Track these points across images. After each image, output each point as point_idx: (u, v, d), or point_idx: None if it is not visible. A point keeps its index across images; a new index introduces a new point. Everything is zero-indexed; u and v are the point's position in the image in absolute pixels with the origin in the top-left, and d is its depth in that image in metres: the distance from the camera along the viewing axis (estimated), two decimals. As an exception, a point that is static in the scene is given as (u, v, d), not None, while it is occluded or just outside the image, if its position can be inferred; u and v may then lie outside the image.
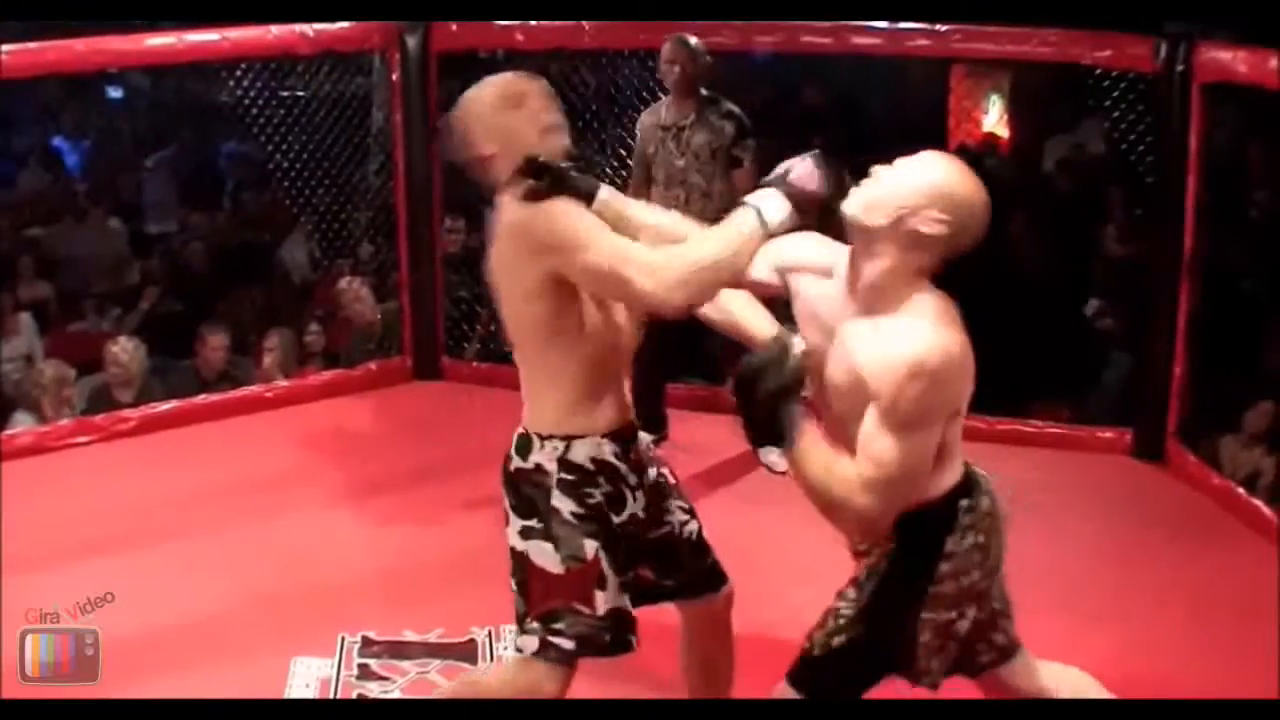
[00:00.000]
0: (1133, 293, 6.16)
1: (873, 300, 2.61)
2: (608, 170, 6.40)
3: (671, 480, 3.16)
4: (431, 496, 5.37)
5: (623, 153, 6.10)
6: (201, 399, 6.33)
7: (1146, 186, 5.70)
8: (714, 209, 5.23)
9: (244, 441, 6.02)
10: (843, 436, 2.67)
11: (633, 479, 3.03)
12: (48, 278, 7.88)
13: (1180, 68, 5.19)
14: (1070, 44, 5.48)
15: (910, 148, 2.70)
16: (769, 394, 2.60)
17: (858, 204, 2.60)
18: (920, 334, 2.53)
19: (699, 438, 5.64)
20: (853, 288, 2.66)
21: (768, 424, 2.62)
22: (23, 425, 6.07)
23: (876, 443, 2.54)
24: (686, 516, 3.14)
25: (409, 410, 6.47)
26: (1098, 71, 5.69)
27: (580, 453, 2.95)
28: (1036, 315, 6.35)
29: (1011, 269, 6.63)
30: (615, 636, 2.97)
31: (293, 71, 6.83)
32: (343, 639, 4.33)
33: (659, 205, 5.35)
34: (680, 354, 5.78)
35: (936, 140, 8.02)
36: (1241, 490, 5.13)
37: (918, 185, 2.57)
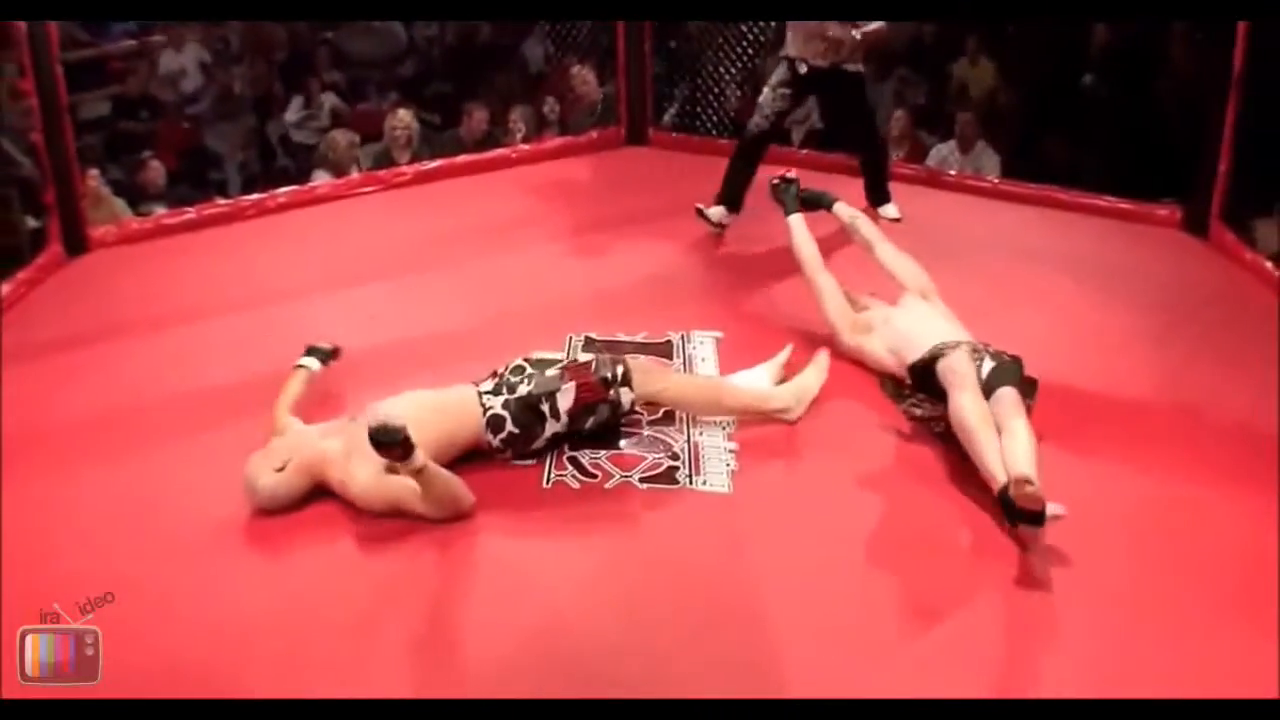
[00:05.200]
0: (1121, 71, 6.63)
1: None
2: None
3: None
4: (637, 233, 5.81)
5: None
6: (462, 159, 6.90)
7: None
8: (842, 57, 5.61)
9: (494, 192, 6.52)
10: None
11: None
12: (340, 69, 8.63)
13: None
14: None
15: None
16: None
17: None
18: None
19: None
20: None
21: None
22: (321, 180, 6.87)
23: None
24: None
25: (621, 169, 6.90)
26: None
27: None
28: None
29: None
30: None
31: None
32: (570, 338, 4.68)
33: (795, 51, 5.65)
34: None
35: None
36: (1269, 264, 5.41)
37: None
